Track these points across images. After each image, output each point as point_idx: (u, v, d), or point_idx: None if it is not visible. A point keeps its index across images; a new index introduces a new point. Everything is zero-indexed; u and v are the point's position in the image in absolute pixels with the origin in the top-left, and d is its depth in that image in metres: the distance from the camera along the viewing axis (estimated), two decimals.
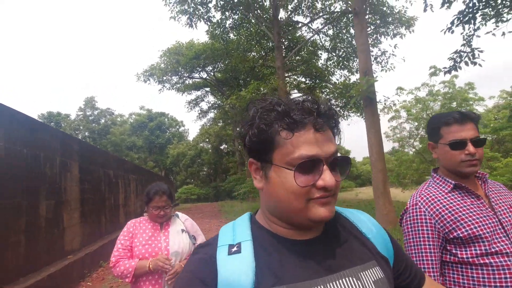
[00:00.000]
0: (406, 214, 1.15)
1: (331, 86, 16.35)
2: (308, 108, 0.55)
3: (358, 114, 16.41)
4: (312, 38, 14.70)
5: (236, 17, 14.04)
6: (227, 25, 14.29)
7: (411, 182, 20.17)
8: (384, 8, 12.40)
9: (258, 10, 13.17)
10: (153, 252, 1.80)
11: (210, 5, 13.33)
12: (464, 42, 9.09)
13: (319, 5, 13.83)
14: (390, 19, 12.89)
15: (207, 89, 21.71)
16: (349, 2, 7.44)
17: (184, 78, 17.39)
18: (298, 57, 16.70)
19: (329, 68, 16.19)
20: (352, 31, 13.97)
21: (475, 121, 1.14)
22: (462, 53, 9.18)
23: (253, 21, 12.94)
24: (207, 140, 34.68)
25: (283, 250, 0.58)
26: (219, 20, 13.79)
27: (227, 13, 13.76)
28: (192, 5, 12.75)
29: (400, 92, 16.61)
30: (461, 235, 1.03)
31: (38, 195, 3.91)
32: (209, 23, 13.66)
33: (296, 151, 0.54)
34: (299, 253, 0.58)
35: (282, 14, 14.52)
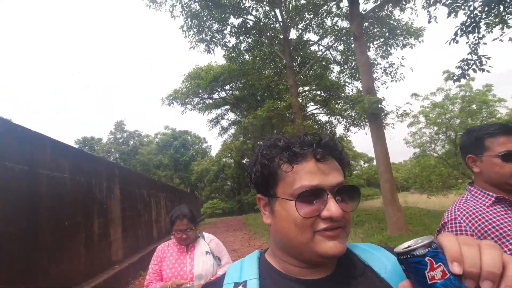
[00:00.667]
0: (444, 229, 1.07)
1: (345, 97, 16.80)
2: (308, 140, 0.56)
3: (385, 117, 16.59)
4: (323, 54, 15.36)
5: (249, 40, 15.05)
6: (242, 48, 15.33)
7: (436, 188, 19.79)
8: (391, 21, 12.85)
9: (270, 32, 14.09)
10: (178, 275, 1.88)
11: (225, 31, 14.51)
12: (470, 50, 9.39)
13: (328, 22, 14.54)
14: (398, 31, 13.31)
15: (227, 106, 22.84)
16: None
17: (205, 99, 18.55)
18: (311, 71, 17.38)
19: (341, 81, 16.67)
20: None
21: None
22: (470, 61, 9.47)
23: (266, 42, 13.79)
24: (229, 155, 35.68)
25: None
26: (234, 45, 14.85)
27: (241, 37, 14.83)
28: (209, 33, 13.91)
29: (416, 98, 16.75)
30: (508, 252, 0.93)
31: (92, 215, 4.79)
32: (225, 48, 14.78)
33: (297, 182, 0.54)
34: None
35: (293, 33, 15.39)
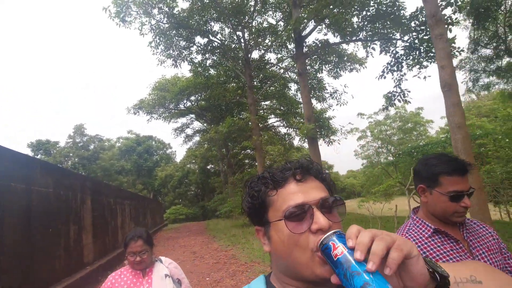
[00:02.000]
0: None
1: (301, 113, 18.59)
2: (288, 166, 0.62)
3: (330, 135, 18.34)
4: (282, 74, 16.99)
5: (214, 58, 16.22)
6: (207, 64, 16.42)
7: (379, 195, 22.33)
8: (339, 50, 14.80)
9: (233, 53, 15.36)
10: None
11: (192, 48, 15.53)
12: (395, 84, 11.46)
13: (290, 46, 16.21)
14: (345, 58, 15.33)
15: (192, 115, 23.62)
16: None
17: (170, 109, 19.27)
18: (272, 88, 18.95)
19: (298, 98, 18.41)
20: (316, 66, 16.35)
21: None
22: (395, 93, 11.55)
23: (228, 63, 15.03)
24: (194, 161, 36.20)
25: None
26: (200, 61, 15.91)
27: (207, 54, 15.95)
28: (177, 50, 14.84)
29: (361, 117, 19.05)
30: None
31: (69, 223, 5.60)
32: (191, 64, 15.77)
33: (284, 204, 0.57)
34: None
35: (255, 53, 16.84)
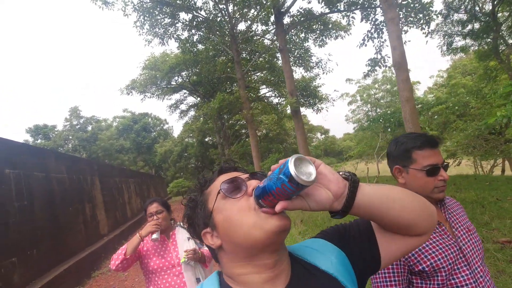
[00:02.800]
0: None
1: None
2: (217, 168, 0.71)
3: (320, 103, 18.80)
4: (270, 46, 17.13)
5: (201, 33, 16.26)
6: (194, 40, 16.50)
7: (370, 156, 23.45)
8: (324, 18, 14.88)
9: (218, 27, 15.41)
10: (166, 262, 1.94)
11: (178, 25, 15.55)
12: (376, 51, 11.86)
13: (272, 18, 16.18)
14: (330, 26, 15.43)
15: (185, 91, 23.89)
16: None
17: (163, 87, 19.58)
18: (261, 59, 19.13)
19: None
20: (302, 35, 16.48)
21: (439, 145, 1.13)
22: (376, 59, 11.99)
23: (215, 37, 15.17)
24: (191, 135, 36.92)
25: None
26: (187, 37, 15.99)
27: (193, 30, 15.97)
28: (162, 28, 14.90)
29: (349, 82, 19.46)
30: (426, 268, 0.99)
31: (84, 202, 6.46)
32: (178, 40, 15.86)
33: (216, 188, 0.62)
34: None
35: (242, 25, 16.84)
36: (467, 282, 1.00)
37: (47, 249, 4.56)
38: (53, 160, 5.37)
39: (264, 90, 23.16)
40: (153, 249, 1.96)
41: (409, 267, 1.02)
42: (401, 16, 10.97)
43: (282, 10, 9.32)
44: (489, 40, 8.36)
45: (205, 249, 2.02)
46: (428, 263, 0.99)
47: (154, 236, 1.92)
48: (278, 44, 9.19)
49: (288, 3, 10.03)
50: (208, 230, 0.64)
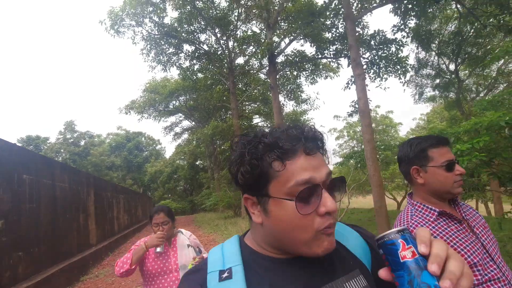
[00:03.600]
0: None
1: (284, 115, 20.20)
2: (295, 134, 0.56)
3: None
4: (265, 79, 18.47)
5: (201, 63, 17.55)
6: (195, 69, 17.74)
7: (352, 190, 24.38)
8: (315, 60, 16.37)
9: (218, 60, 16.73)
10: (164, 267, 1.99)
11: (181, 55, 16.81)
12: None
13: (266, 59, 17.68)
14: (321, 67, 16.93)
15: (181, 114, 24.87)
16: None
17: (160, 110, 20.54)
18: (256, 91, 20.44)
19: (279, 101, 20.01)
20: (295, 72, 17.91)
21: (449, 144, 1.18)
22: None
23: (214, 69, 16.42)
24: (183, 157, 37.43)
25: (274, 271, 0.58)
26: (188, 66, 17.22)
27: (194, 60, 17.26)
28: (166, 56, 16.12)
29: (337, 119, 20.78)
30: None
31: (79, 211, 7.02)
32: (180, 69, 17.06)
33: (291, 180, 0.53)
34: (289, 272, 0.57)
35: (240, 59, 18.24)
36: (498, 275, 1.01)
37: (46, 249, 5.09)
38: (58, 170, 6.02)
39: (257, 120, 24.28)
40: (154, 253, 2.05)
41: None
42: (381, 66, 12.42)
43: (275, 53, 10.53)
44: (452, 94, 9.62)
45: (206, 255, 2.06)
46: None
47: (158, 249, 2.00)
48: (270, 82, 10.28)
49: (282, 47, 11.31)
50: (253, 200, 0.59)
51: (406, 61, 11.90)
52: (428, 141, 1.15)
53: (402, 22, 10.05)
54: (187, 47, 16.31)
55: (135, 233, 13.66)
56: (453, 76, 9.67)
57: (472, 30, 8.74)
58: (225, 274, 0.56)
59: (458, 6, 7.79)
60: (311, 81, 18.09)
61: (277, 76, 16.91)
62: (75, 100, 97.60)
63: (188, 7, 14.48)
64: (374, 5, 8.89)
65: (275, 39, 10.44)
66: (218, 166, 24.93)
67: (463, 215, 1.17)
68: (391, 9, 9.50)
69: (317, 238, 0.54)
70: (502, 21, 7.13)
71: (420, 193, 1.19)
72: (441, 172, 1.11)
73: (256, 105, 22.44)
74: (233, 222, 12.25)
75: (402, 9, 8.64)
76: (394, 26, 10.54)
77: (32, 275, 4.49)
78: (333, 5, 10.61)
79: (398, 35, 10.55)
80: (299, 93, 18.82)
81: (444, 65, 10.12)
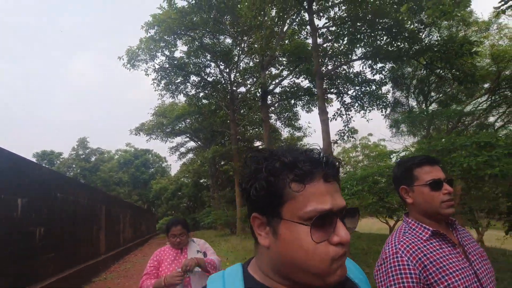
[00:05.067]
0: (385, 264, 1.07)
1: (283, 139, 21.73)
2: (316, 158, 0.55)
3: None
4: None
5: (206, 91, 19.31)
6: (200, 96, 19.48)
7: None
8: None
9: (221, 89, 18.45)
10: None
11: (188, 84, 18.61)
12: (344, 124, 14.47)
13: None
14: (315, 98, 18.48)
15: (187, 135, 26.54)
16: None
17: (167, 132, 22.23)
18: (256, 116, 22.02)
19: (277, 126, 21.58)
20: (292, 101, 19.47)
21: (439, 164, 1.18)
22: (344, 131, 14.57)
23: (218, 97, 18.10)
24: (187, 175, 38.81)
25: None
26: (194, 94, 18.97)
27: (200, 89, 19.02)
28: (175, 85, 17.91)
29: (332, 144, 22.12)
30: (442, 287, 0.99)
31: (93, 224, 8.37)
32: (186, 96, 18.82)
33: (309, 205, 0.51)
34: None
35: (242, 88, 19.96)
36: None
37: (67, 253, 6.41)
38: (79, 188, 7.45)
39: (257, 143, 25.71)
40: (167, 258, 2.28)
41: (427, 286, 1.01)
42: (364, 100, 13.85)
43: (267, 90, 12.09)
44: (424, 129, 10.91)
45: (210, 258, 2.23)
46: (446, 284, 0.99)
47: (187, 274, 2.10)
48: (261, 116, 11.77)
49: (272, 85, 12.90)
50: (262, 220, 0.56)
51: (386, 97, 13.31)
52: (413, 161, 1.19)
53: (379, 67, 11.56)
54: (193, 78, 18.13)
55: (137, 246, 14.85)
56: (424, 113, 11.00)
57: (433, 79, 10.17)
58: None
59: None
60: (307, 109, 19.64)
61: (276, 105, 18.58)
62: (90, 118, 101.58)
63: (197, 42, 16.37)
64: (343, 62, 10.45)
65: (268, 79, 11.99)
66: (220, 185, 26.18)
67: (460, 239, 1.15)
68: (364, 65, 11.03)
69: (333, 267, 0.51)
70: (453, 74, 8.54)
71: (414, 213, 1.20)
72: (426, 191, 1.12)
73: (257, 130, 23.96)
74: (227, 239, 13.38)
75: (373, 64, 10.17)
76: (373, 69, 12.05)
77: (58, 273, 5.80)
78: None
79: (377, 76, 11.98)
80: (295, 120, 20.29)
81: (417, 105, 11.48)
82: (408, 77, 11.23)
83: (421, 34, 9.77)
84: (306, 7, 8.38)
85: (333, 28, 9.70)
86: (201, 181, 39.97)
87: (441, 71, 8.88)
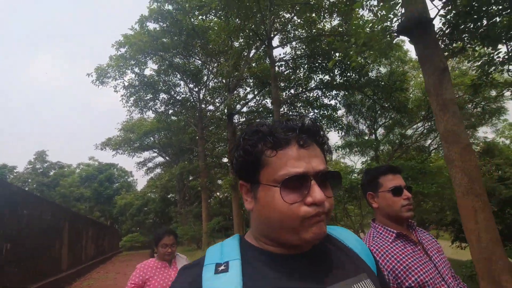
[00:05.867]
0: None
1: None
2: (291, 125, 0.57)
3: None
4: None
5: (175, 108, 19.80)
6: (169, 113, 19.90)
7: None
8: None
9: (190, 106, 19.06)
10: (167, 286, 2.09)
11: (157, 101, 19.00)
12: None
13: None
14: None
15: (155, 150, 26.50)
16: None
17: (135, 147, 22.21)
18: (224, 134, 22.78)
19: None
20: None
21: (400, 172, 1.33)
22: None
23: (186, 115, 18.67)
24: (154, 190, 38.08)
25: (273, 267, 0.57)
26: (163, 111, 19.37)
27: (169, 106, 19.48)
28: (143, 102, 18.23)
29: None
30: (412, 284, 1.10)
31: (56, 240, 8.48)
32: (155, 113, 19.16)
33: (281, 169, 0.54)
34: (289, 268, 0.57)
35: (210, 107, 20.69)
36: None
37: (31, 268, 6.58)
38: (45, 205, 7.65)
39: (225, 159, 26.31)
40: (156, 274, 2.16)
41: (398, 284, 1.12)
42: (323, 123, 15.20)
43: (233, 112, 12.98)
44: (372, 152, 12.40)
45: None
46: (413, 278, 1.11)
47: None
48: (227, 136, 12.56)
49: (239, 106, 13.84)
50: (247, 187, 0.61)
51: (342, 120, 14.73)
52: (379, 170, 1.34)
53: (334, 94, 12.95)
54: (163, 95, 18.59)
55: (100, 264, 14.61)
56: (372, 136, 12.50)
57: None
58: (222, 267, 0.56)
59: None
60: None
61: (243, 124, 19.48)
62: (49, 130, 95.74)
63: (167, 62, 17.00)
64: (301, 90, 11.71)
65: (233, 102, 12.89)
66: (188, 200, 26.23)
67: (419, 238, 1.29)
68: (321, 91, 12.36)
69: (305, 225, 0.54)
70: (391, 104, 10.02)
71: (379, 217, 1.33)
72: (389, 196, 1.26)
73: (225, 146, 24.62)
74: (193, 254, 13.69)
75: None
76: (329, 95, 13.40)
77: (23, 286, 6.00)
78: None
79: (333, 101, 13.36)
80: None
81: (367, 128, 13.02)
82: (358, 104, 12.72)
83: (367, 67, 11.30)
84: (266, 43, 9.48)
85: (291, 61, 10.89)
86: (169, 196, 39.39)
87: (382, 101, 10.37)
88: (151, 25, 14.58)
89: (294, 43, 11.08)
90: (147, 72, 17.31)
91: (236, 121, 17.06)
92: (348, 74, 11.19)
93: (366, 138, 12.29)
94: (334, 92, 12.74)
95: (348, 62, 10.52)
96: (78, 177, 38.33)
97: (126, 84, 16.11)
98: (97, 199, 37.84)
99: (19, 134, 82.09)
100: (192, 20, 13.43)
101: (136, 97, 17.55)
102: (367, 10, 8.02)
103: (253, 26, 9.13)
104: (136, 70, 16.66)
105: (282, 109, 15.14)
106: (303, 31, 12.04)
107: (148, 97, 18.29)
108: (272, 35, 9.56)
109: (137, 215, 38.10)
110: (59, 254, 8.76)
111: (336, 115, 14.48)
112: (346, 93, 12.55)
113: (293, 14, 11.13)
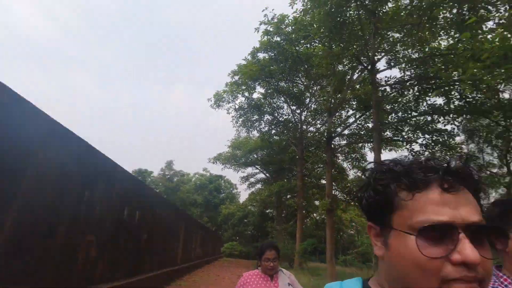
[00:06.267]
0: None
1: (348, 180, 21.72)
2: (433, 165, 0.50)
3: None
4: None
5: (278, 129, 21.08)
6: (272, 133, 21.32)
7: None
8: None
9: (292, 127, 19.96)
10: None
11: (262, 122, 20.73)
12: None
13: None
14: (384, 140, 18.37)
15: (257, 166, 28.57)
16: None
17: (240, 163, 24.56)
18: (324, 155, 22.68)
19: (346, 168, 21.74)
20: (360, 144, 19.68)
21: None
22: None
23: (288, 135, 19.60)
24: (254, 204, 40.56)
25: None
26: (267, 130, 20.92)
27: (272, 126, 20.91)
28: (250, 122, 20.19)
29: None
30: None
31: (174, 238, 10.29)
32: (260, 132, 20.88)
33: (419, 214, 0.47)
34: None
35: (311, 128, 21.13)
36: None
37: (159, 256, 8.24)
38: (168, 208, 9.49)
39: (324, 181, 25.97)
40: (256, 286, 2.22)
41: None
42: (436, 150, 13.44)
43: (332, 136, 12.99)
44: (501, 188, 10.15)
45: None
46: None
47: None
48: (326, 159, 12.63)
49: (341, 128, 13.72)
50: (376, 230, 0.56)
51: (461, 147, 12.68)
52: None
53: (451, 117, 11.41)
54: (267, 116, 20.18)
55: (204, 264, 16.58)
56: (503, 170, 10.31)
57: None
58: None
59: None
60: (370, 149, 19.51)
61: (343, 146, 19.09)
62: (176, 141, 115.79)
63: (273, 86, 18.49)
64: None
65: (334, 126, 12.93)
66: (284, 217, 26.93)
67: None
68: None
69: None
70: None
71: (508, 265, 1.05)
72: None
73: (324, 168, 24.43)
74: None
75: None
76: (444, 119, 11.82)
77: (154, 270, 7.59)
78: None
79: (449, 126, 11.76)
80: (362, 161, 20.23)
81: (497, 159, 10.81)
82: (483, 130, 10.77)
83: (497, 87, 9.60)
84: (369, 67, 9.33)
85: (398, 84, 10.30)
86: (267, 211, 41.15)
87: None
88: (261, 55, 16.32)
89: (403, 64, 10.46)
90: (255, 95, 19.21)
91: (336, 143, 16.94)
92: (473, 95, 9.72)
93: (495, 171, 10.19)
94: (451, 115, 11.22)
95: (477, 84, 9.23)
96: (194, 184, 44.62)
97: (237, 106, 18.22)
98: (206, 206, 42.98)
99: (155, 144, 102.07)
100: (297, 48, 14.37)
101: (244, 118, 19.61)
102: (494, 24, 7.05)
103: (355, 52, 9.18)
104: (246, 94, 18.68)
105: (385, 134, 14.21)
106: (414, 50, 11.24)
107: (254, 118, 20.16)
108: (376, 59, 9.35)
109: (238, 225, 41.26)
110: (177, 249, 10.53)
111: (454, 142, 12.61)
112: (467, 117, 10.87)
113: (402, 34, 10.59)
